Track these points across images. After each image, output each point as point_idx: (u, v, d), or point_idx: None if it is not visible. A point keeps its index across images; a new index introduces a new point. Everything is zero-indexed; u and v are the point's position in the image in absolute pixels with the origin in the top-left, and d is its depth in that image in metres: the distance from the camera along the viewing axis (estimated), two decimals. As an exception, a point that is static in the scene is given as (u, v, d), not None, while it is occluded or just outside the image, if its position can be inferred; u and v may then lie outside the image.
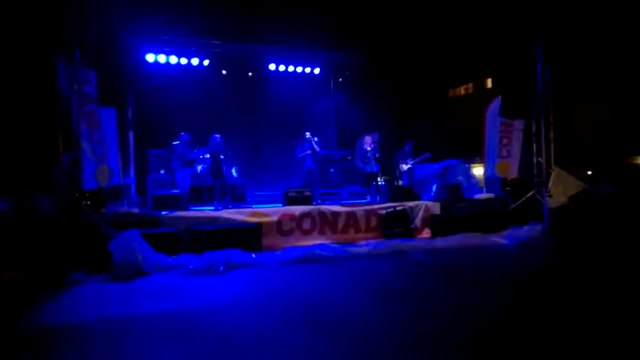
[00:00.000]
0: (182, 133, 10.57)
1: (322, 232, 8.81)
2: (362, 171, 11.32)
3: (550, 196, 9.52)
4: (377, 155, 11.03)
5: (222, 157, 9.90)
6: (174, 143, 10.49)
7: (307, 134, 10.88)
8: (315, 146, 10.78)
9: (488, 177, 11.20)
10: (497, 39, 10.60)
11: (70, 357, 3.52)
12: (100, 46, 7.36)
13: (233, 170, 12.05)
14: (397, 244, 8.14)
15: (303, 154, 10.70)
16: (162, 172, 11.09)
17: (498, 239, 8.53)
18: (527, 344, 3.44)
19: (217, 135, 9.85)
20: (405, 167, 11.96)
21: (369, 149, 10.94)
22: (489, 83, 15.84)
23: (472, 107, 13.71)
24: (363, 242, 8.46)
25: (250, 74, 14.10)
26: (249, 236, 7.62)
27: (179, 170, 10.41)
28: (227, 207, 9.02)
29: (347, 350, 3.43)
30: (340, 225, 8.97)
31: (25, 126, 8.58)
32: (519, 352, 3.32)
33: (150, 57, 12.69)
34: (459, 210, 9.84)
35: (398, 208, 9.27)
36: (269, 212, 8.57)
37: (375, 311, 4.47)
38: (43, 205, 7.69)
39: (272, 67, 14.18)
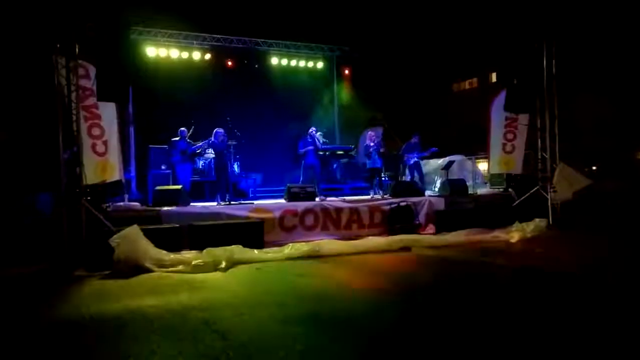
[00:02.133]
0: (181, 129, 10.49)
1: (325, 228, 8.74)
2: (365, 166, 11.24)
3: (555, 191, 9.44)
4: (381, 150, 10.92)
5: (225, 152, 9.83)
6: (173, 140, 10.40)
7: (312, 129, 10.77)
8: (317, 142, 10.68)
9: (492, 172, 11.11)
10: (502, 33, 10.49)
11: (70, 353, 3.46)
12: (100, 40, 7.26)
13: (235, 166, 11.99)
14: (401, 239, 8.05)
15: (305, 149, 10.61)
16: (163, 167, 11.03)
17: (502, 234, 8.45)
18: (530, 340, 3.37)
19: (221, 130, 9.77)
20: (411, 160, 11.79)
21: (371, 144, 10.85)
22: (494, 77, 15.75)
23: (476, 102, 13.61)
24: (366, 238, 8.37)
25: (255, 66, 14.01)
26: (251, 232, 7.55)
27: (179, 165, 10.34)
28: (229, 203, 8.95)
29: (350, 347, 3.36)
30: (343, 221, 8.89)
31: (25, 122, 8.54)
32: (523, 348, 3.24)
33: (151, 51, 12.61)
34: (463, 205, 9.77)
35: (402, 204, 9.20)
36: (271, 208, 8.49)
37: (379, 308, 4.40)
38: (44, 201, 7.66)
39: (274, 61, 14.09)
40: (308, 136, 10.65)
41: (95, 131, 7.78)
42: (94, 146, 7.74)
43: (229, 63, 13.72)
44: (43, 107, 7.50)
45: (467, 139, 13.06)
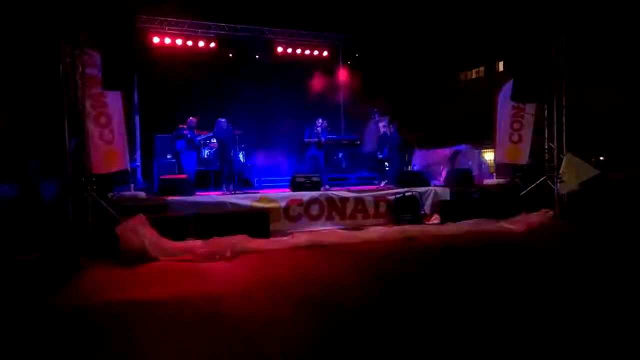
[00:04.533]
0: (190, 118, 10.48)
1: (330, 218, 8.74)
2: (370, 156, 11.18)
3: (561, 182, 9.36)
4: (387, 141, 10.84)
5: (229, 141, 9.81)
6: (180, 127, 10.39)
7: (318, 122, 10.66)
8: (320, 137, 10.57)
9: (499, 162, 11.03)
10: (510, 20, 10.32)
11: (75, 342, 3.48)
12: (105, 28, 7.21)
13: (240, 155, 11.98)
14: (406, 229, 8.03)
15: (309, 139, 10.54)
16: (168, 156, 11.04)
17: (509, 225, 8.38)
18: (533, 332, 3.35)
19: (223, 120, 9.73)
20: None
21: (379, 133, 10.79)
22: (501, 66, 15.57)
23: (483, 91, 13.47)
24: (371, 228, 8.36)
25: (260, 55, 13.91)
26: (256, 222, 7.56)
27: (184, 153, 10.33)
28: (234, 192, 8.95)
29: (356, 337, 3.36)
30: (348, 211, 8.89)
31: (30, 110, 8.54)
32: (525, 339, 3.23)
33: (156, 39, 12.54)
34: (469, 196, 9.71)
35: (407, 194, 9.17)
36: (277, 198, 8.49)
37: (385, 298, 4.40)
38: (50, 189, 7.68)
39: (279, 49, 14.00)
40: (314, 127, 10.58)
41: (102, 119, 7.77)
42: (101, 134, 7.73)
43: (234, 52, 13.63)
44: (48, 95, 7.49)
45: (474, 129, 12.93)
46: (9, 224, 6.77)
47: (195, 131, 10.64)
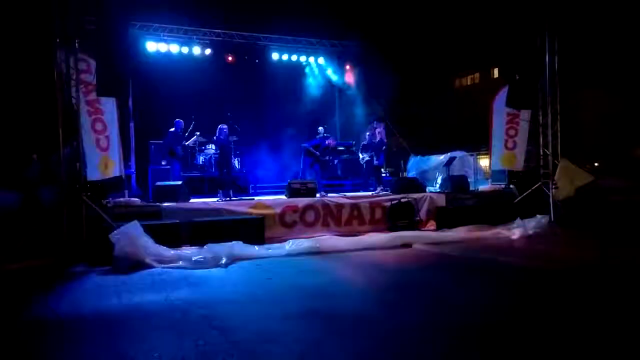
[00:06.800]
0: (177, 120, 10.41)
1: (325, 225, 8.72)
2: (366, 162, 11.18)
3: (556, 188, 9.39)
4: (384, 147, 10.86)
5: (228, 147, 9.80)
6: (170, 130, 10.33)
7: (330, 140, 10.63)
8: (323, 153, 10.54)
9: (494, 168, 11.06)
10: (505, 28, 10.41)
11: (70, 349, 3.45)
12: (100, 34, 7.21)
13: (235, 161, 11.96)
14: (401, 236, 8.00)
15: (310, 148, 10.51)
16: (163, 163, 10.99)
17: (504, 231, 8.40)
18: (530, 340, 3.34)
19: (225, 126, 9.73)
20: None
21: (375, 139, 10.80)
22: (496, 73, 15.67)
23: (478, 97, 13.54)
24: (367, 235, 8.35)
25: (255, 61, 13.94)
26: (252, 228, 7.52)
27: (175, 161, 10.29)
28: (229, 199, 8.93)
29: (351, 344, 3.34)
30: (344, 217, 8.87)
31: (26, 118, 8.51)
32: (523, 347, 3.22)
33: (151, 46, 12.54)
34: (464, 202, 9.74)
35: (403, 200, 9.17)
36: (272, 204, 8.47)
37: (380, 305, 4.38)
38: (45, 197, 7.62)
39: (275, 56, 14.02)
40: (321, 140, 10.54)
41: (99, 126, 7.74)
42: (97, 141, 7.69)
43: (230, 58, 13.65)
44: (44, 102, 7.47)
45: (469, 135, 13.00)
46: (7, 231, 6.72)
47: (184, 133, 10.58)
